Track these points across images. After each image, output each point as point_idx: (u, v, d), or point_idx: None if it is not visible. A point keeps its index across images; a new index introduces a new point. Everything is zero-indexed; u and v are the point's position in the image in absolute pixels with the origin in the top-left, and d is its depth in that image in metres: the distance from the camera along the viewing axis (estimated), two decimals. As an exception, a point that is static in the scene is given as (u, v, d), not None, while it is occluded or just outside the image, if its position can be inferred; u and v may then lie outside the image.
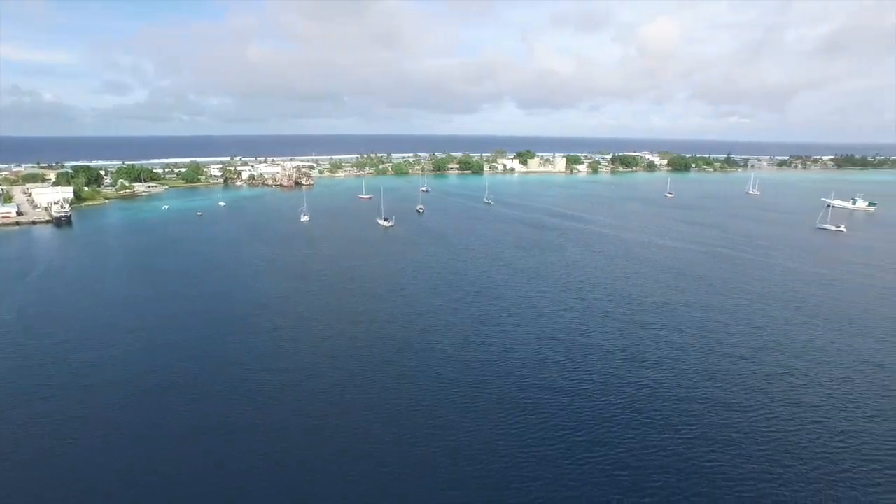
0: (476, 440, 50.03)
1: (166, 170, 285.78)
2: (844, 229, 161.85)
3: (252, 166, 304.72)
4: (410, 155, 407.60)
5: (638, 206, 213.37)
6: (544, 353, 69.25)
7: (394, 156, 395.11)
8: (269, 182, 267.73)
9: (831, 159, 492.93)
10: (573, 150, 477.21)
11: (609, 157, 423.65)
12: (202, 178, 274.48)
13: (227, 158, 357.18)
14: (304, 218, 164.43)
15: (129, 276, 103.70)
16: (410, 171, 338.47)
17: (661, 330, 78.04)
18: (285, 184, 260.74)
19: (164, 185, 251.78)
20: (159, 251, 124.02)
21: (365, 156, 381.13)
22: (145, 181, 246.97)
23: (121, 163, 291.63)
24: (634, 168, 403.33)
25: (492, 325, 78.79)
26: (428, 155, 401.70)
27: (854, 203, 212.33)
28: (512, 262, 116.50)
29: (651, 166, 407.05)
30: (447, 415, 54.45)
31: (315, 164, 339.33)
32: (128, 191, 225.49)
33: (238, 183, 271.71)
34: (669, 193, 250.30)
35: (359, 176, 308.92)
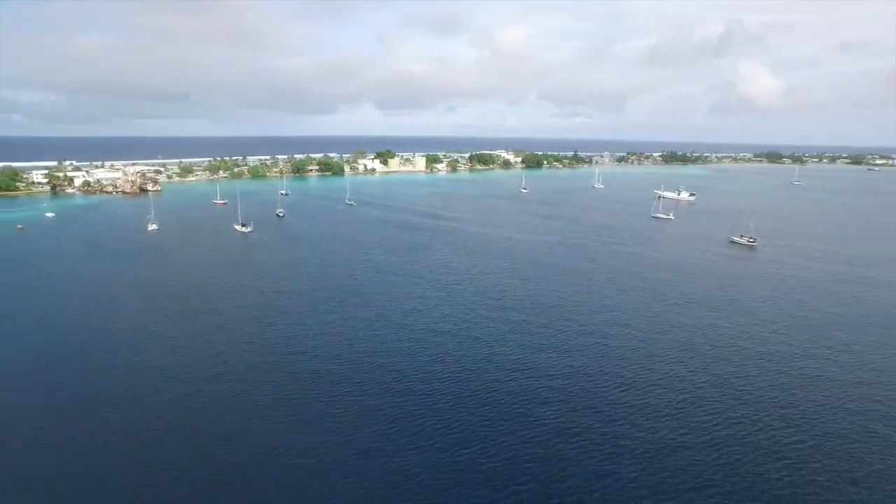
0: (348, 453, 48.80)
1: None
2: (673, 217, 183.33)
3: (87, 172, 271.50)
4: (268, 157, 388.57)
5: (496, 203, 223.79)
6: (414, 354, 69.93)
7: (250, 158, 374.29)
8: (109, 189, 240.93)
9: (660, 155, 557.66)
10: (433, 149, 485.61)
11: (467, 155, 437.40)
12: (22, 185, 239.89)
13: (55, 163, 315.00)
14: (153, 227, 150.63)
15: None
16: (268, 173, 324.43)
17: (526, 318, 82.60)
18: (128, 190, 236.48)
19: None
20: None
21: (218, 159, 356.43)
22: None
23: None
24: (491, 166, 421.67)
25: (360, 330, 77.90)
26: (286, 157, 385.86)
27: (679, 194, 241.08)
28: (378, 263, 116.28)
29: (507, 164, 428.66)
30: (316, 429, 52.63)
31: (162, 169, 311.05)
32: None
33: (70, 190, 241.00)
34: (524, 189, 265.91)
35: (212, 180, 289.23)
